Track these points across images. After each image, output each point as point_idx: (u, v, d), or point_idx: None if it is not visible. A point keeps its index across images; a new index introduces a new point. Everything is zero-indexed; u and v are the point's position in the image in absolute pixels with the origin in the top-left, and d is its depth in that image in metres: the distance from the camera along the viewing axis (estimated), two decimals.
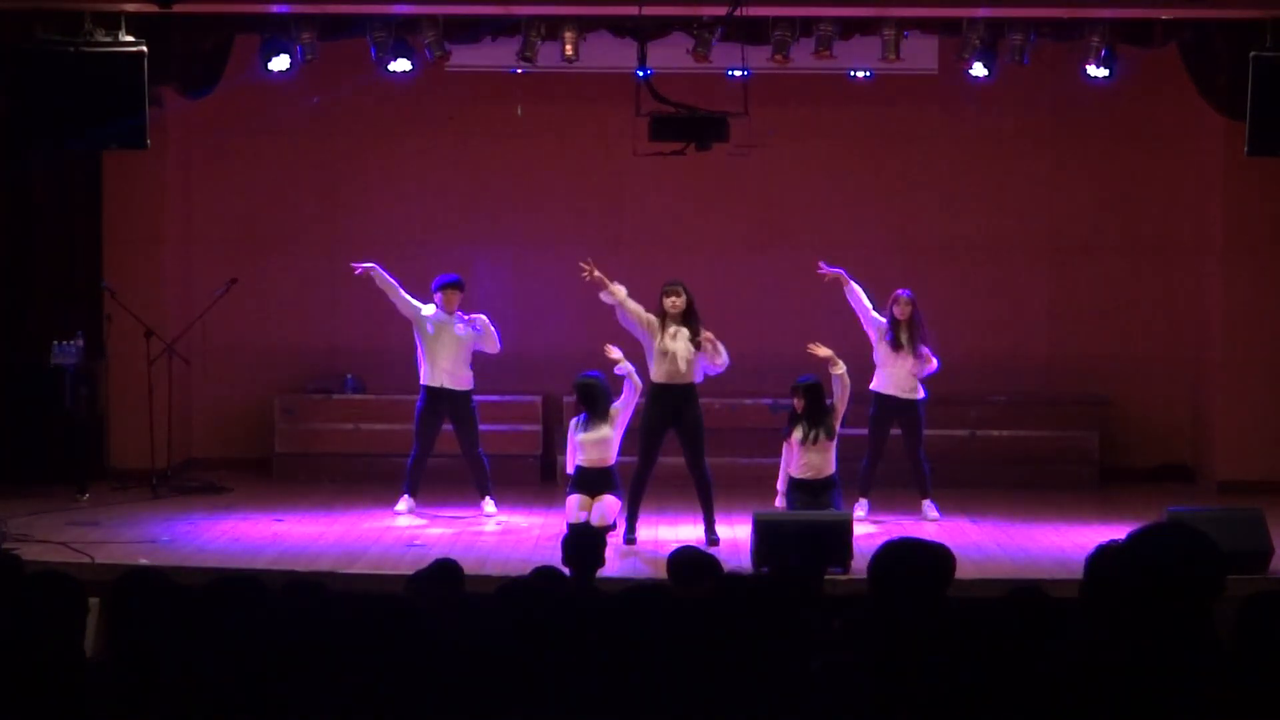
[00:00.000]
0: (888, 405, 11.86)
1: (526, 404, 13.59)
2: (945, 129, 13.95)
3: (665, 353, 11.00)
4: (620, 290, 11.04)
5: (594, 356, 11.30)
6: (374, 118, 13.93)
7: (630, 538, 11.00)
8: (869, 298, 11.79)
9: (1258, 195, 13.18)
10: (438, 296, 11.85)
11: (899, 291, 11.86)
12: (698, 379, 11.08)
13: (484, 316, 11.89)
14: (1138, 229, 13.99)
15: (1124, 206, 14.01)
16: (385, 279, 11.79)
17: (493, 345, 11.87)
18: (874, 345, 11.83)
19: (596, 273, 10.99)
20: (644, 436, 11.08)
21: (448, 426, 11.93)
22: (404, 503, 11.85)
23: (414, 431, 11.95)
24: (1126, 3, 11.49)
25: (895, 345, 11.75)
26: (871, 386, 11.84)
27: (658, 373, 11.06)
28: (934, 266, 13.90)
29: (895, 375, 11.82)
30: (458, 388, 11.80)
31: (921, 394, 11.88)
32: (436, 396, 11.84)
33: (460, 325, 11.79)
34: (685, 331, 11.02)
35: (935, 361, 11.81)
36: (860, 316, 11.79)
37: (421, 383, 11.88)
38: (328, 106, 13.70)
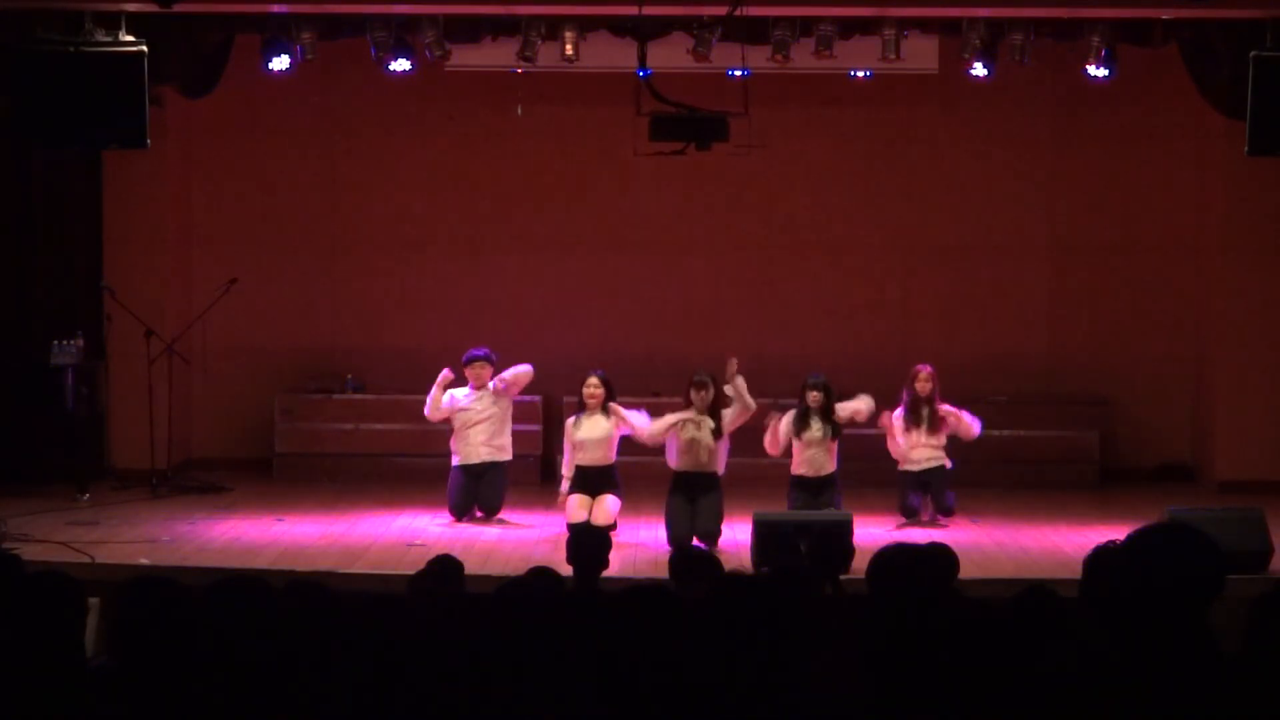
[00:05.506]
0: (911, 480, 11.59)
1: (526, 404, 13.54)
2: (945, 129, 13.95)
3: (691, 442, 10.89)
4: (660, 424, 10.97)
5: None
6: (374, 118, 13.93)
7: None
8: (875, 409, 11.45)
9: (1258, 195, 13.18)
10: (467, 373, 11.73)
11: (919, 366, 11.69)
12: (720, 469, 10.97)
13: (504, 377, 11.72)
14: (1138, 229, 13.98)
15: (1124, 206, 14.00)
16: (442, 390, 11.66)
17: (524, 373, 11.72)
18: (895, 431, 11.57)
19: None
20: (669, 521, 10.86)
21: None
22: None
23: (448, 504, 11.69)
24: (1126, 3, 11.48)
25: (915, 421, 11.56)
26: (900, 466, 11.64)
27: (681, 462, 10.95)
28: (934, 266, 13.90)
29: (918, 452, 11.59)
30: (498, 459, 11.69)
31: (949, 463, 11.65)
32: (472, 472, 11.68)
33: (493, 396, 11.65)
34: (709, 422, 10.92)
35: (972, 422, 11.63)
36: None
37: (455, 464, 11.70)
38: (328, 106, 13.69)
